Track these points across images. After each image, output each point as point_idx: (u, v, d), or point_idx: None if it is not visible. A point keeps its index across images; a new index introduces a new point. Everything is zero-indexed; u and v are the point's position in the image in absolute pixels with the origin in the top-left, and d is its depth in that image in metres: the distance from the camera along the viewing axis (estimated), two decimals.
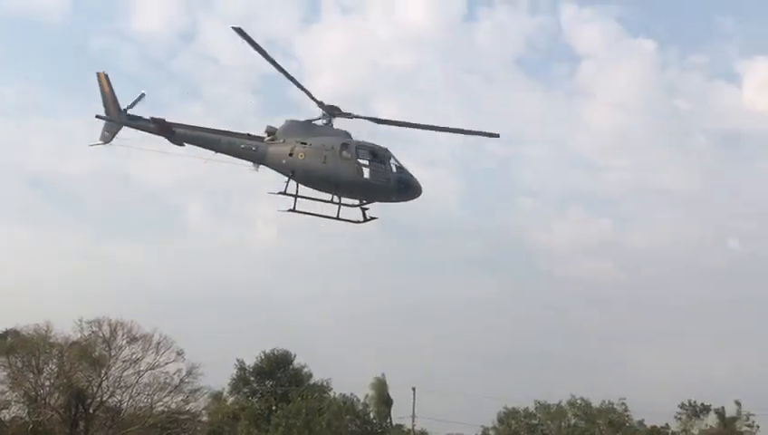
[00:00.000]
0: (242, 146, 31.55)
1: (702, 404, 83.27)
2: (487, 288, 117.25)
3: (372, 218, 31.43)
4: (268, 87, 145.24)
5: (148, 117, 32.42)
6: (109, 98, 32.87)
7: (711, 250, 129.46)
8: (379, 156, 30.58)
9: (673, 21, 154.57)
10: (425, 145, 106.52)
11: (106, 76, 33.00)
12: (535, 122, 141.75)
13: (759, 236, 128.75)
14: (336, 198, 30.82)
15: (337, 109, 31.21)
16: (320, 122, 31.31)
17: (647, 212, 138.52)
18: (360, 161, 30.38)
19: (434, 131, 32.83)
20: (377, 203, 31.49)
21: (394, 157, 30.61)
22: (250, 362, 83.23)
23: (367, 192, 30.68)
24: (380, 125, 31.79)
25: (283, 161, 30.75)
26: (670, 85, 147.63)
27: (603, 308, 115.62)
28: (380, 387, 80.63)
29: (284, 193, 30.41)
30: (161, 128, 31.87)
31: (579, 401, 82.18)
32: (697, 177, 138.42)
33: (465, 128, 33.10)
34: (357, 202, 31.23)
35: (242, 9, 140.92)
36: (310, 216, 30.88)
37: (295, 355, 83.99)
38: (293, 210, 30.71)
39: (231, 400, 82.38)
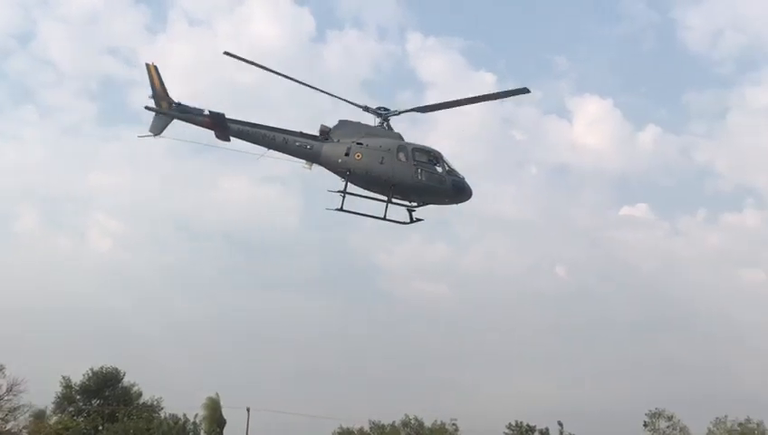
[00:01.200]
0: (296, 144, 31.32)
1: (528, 425, 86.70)
2: (325, 307, 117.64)
3: (418, 220, 31.54)
4: (106, 93, 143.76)
5: (205, 111, 31.72)
6: (158, 89, 31.74)
7: (540, 276, 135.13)
8: (433, 158, 31.04)
9: (512, 57, 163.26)
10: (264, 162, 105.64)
11: (155, 67, 31.78)
12: None
13: (582, 263, 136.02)
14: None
15: (385, 109, 31.71)
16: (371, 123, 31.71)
17: (482, 238, 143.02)
18: (416, 164, 30.66)
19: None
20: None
21: (445, 159, 31.01)
22: (78, 378, 79.92)
23: (422, 194, 31.06)
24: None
25: (339, 161, 30.76)
26: (508, 117, 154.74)
27: (439, 329, 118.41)
28: (213, 407, 78.99)
29: (343, 192, 30.53)
30: (215, 122, 31.07)
31: (412, 421, 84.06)
32: (530, 205, 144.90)
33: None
34: (408, 203, 31.52)
35: (84, 13, 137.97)
36: (357, 215, 31.07)
37: (125, 373, 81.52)
38: (341, 209, 30.67)
39: (54, 419, 78.42)
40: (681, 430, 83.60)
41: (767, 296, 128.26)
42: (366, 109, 31.41)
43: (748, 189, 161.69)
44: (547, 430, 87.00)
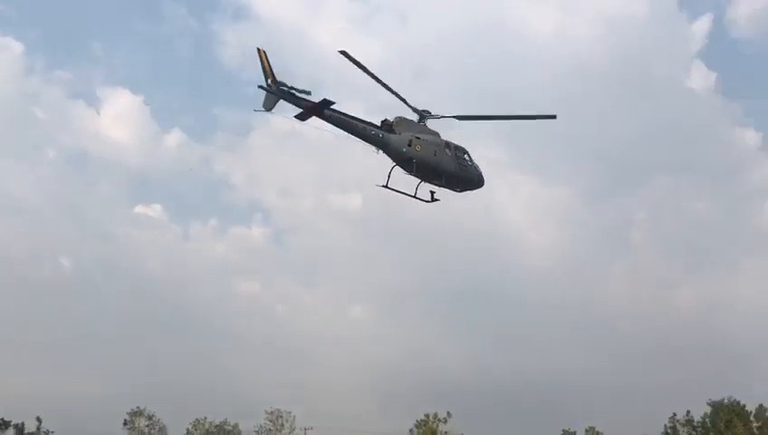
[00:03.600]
0: (372, 132, 36.05)
1: (2, 419, 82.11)
2: None
3: (436, 200, 37.44)
4: None
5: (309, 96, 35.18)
6: (268, 72, 35.21)
7: (42, 265, 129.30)
8: (467, 154, 37.79)
9: (49, 31, 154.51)
10: None
11: (264, 52, 35.25)
12: None
13: (89, 256, 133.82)
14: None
15: (428, 112, 37.41)
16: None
17: None
18: (457, 158, 37.25)
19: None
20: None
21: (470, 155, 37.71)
22: None
23: (461, 182, 37.41)
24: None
25: (404, 150, 36.13)
26: (32, 92, 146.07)
27: None
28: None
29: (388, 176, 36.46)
30: (315, 107, 34.88)
31: None
32: (42, 190, 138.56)
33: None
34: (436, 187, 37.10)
35: None
36: (398, 193, 36.65)
37: None
38: (386, 186, 36.57)
39: None
40: (160, 429, 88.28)
41: (261, 307, 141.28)
42: (415, 109, 36.96)
43: (258, 205, 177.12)
44: (23, 424, 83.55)
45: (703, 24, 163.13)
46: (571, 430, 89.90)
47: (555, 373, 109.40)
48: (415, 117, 37.53)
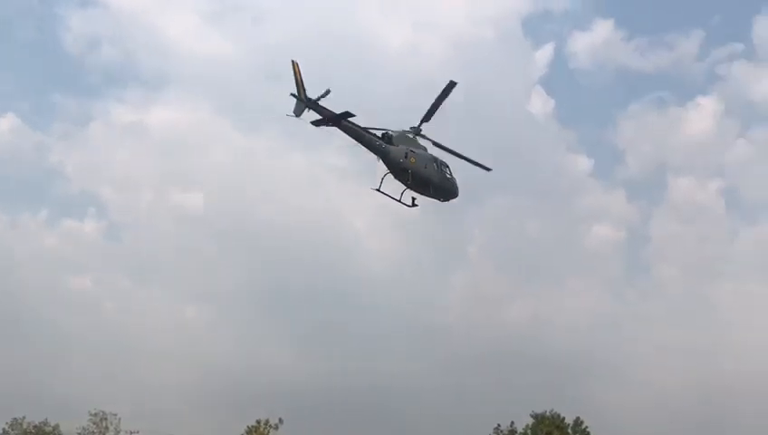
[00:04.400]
0: (376, 143, 39.95)
1: None
2: None
3: (416, 205, 41.06)
4: None
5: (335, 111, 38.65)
6: (300, 83, 38.55)
7: None
8: (448, 169, 41.70)
9: None
10: None
11: (297, 64, 38.76)
12: None
13: None
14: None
15: (420, 129, 41.17)
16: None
17: None
18: (442, 172, 41.14)
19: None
20: None
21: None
22: None
23: (444, 193, 41.54)
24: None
25: (401, 160, 39.88)
26: None
27: None
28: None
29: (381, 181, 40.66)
30: (338, 118, 38.52)
31: None
32: None
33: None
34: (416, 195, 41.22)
35: None
36: (387, 197, 40.44)
37: None
38: (379, 190, 40.47)
39: None
40: None
41: (90, 304, 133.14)
42: (412, 127, 41.15)
43: (92, 198, 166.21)
44: None
45: (545, 53, 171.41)
46: None
47: (390, 378, 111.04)
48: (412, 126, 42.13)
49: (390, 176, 40.47)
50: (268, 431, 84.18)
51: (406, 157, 40.00)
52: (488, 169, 43.25)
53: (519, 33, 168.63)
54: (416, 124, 41.23)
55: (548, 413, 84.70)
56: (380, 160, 40.21)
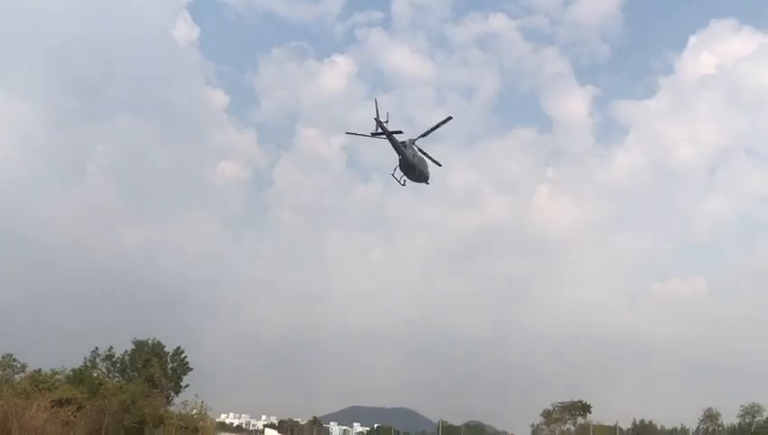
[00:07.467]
0: (402, 149, 53.18)
1: None
2: None
3: (405, 184, 55.53)
4: None
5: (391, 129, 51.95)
6: (378, 112, 51.09)
7: None
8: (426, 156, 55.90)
9: None
10: None
11: (376, 100, 51.75)
12: None
13: None
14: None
15: (414, 141, 54.27)
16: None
17: None
18: (423, 161, 55.27)
19: None
20: None
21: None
22: None
23: (425, 179, 56.27)
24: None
25: (410, 160, 53.90)
26: None
27: None
28: None
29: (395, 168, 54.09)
30: (391, 133, 51.79)
31: None
32: None
33: None
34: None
35: None
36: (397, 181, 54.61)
37: None
38: (393, 176, 54.36)
39: None
40: None
41: None
42: (410, 140, 54.19)
43: None
44: None
45: None
46: None
47: None
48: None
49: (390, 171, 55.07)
50: None
51: (413, 156, 55.27)
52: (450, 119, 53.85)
53: None
54: (414, 137, 55.52)
55: (150, 341, 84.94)
56: (399, 157, 54.32)
